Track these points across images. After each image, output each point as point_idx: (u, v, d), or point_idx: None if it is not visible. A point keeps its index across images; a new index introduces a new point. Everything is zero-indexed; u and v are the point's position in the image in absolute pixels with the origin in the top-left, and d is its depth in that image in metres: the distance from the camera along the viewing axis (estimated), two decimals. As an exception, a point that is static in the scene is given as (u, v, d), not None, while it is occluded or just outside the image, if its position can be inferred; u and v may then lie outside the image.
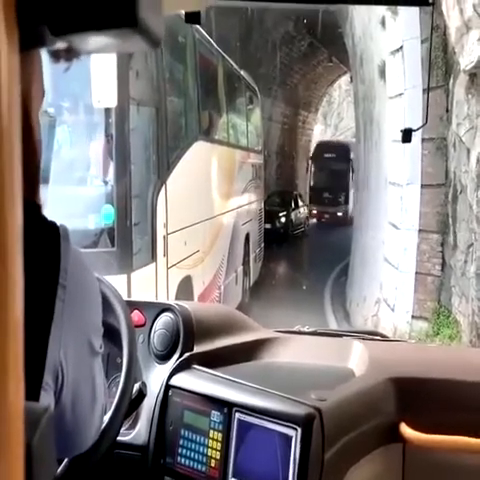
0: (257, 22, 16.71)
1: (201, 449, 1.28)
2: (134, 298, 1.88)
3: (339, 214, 21.68)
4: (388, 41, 7.64)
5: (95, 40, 0.39)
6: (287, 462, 1.14)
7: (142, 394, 1.27)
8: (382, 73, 8.15)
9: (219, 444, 1.25)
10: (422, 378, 1.40)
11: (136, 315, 1.47)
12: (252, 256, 10.14)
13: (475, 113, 5.55)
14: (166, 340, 1.45)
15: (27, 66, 0.76)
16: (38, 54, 0.76)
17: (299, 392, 1.22)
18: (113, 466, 1.31)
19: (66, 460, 1.03)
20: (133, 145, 4.57)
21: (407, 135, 2.39)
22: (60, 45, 0.41)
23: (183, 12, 1.59)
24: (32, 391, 0.76)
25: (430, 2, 1.81)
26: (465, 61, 5.28)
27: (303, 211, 20.12)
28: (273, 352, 1.57)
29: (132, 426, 1.38)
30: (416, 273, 7.11)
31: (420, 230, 7.06)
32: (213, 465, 1.25)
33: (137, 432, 1.37)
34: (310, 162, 23.57)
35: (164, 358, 1.44)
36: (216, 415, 1.27)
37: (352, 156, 19.95)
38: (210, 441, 1.27)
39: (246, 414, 1.22)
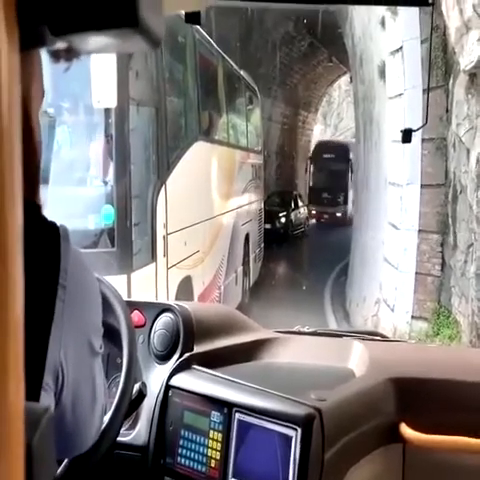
0: (257, 22, 16.71)
1: (201, 449, 1.28)
2: (134, 298, 1.88)
3: (338, 214, 21.63)
4: (388, 41, 7.64)
5: (95, 40, 0.39)
6: (287, 462, 1.13)
7: (142, 394, 1.27)
8: (382, 73, 8.15)
9: (219, 444, 1.25)
10: (422, 378, 1.40)
11: (136, 315, 1.47)
12: (252, 256, 10.14)
13: (475, 113, 5.55)
14: (166, 340, 1.45)
15: (27, 66, 0.76)
16: (38, 54, 0.76)
17: (299, 392, 1.22)
18: (113, 466, 1.31)
19: (66, 460, 1.03)
20: (133, 145, 4.57)
21: (407, 135, 2.39)
22: (60, 45, 0.41)
23: (183, 12, 1.59)
24: (32, 391, 0.76)
25: (430, 2, 1.81)
26: (465, 61, 5.28)
27: (303, 211, 20.08)
28: (273, 352, 1.57)
29: (132, 426, 1.38)
30: (416, 273, 7.11)
31: (420, 230, 7.06)
32: (213, 465, 1.25)
33: (137, 432, 1.37)
34: (309, 162, 23.51)
35: (164, 358, 1.44)
36: (216, 415, 1.27)
37: (351, 156, 19.94)
38: (210, 441, 1.27)
39: (246, 414, 1.22)
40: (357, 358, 1.49)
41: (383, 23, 7.65)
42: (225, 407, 1.25)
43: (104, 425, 1.07)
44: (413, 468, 1.34)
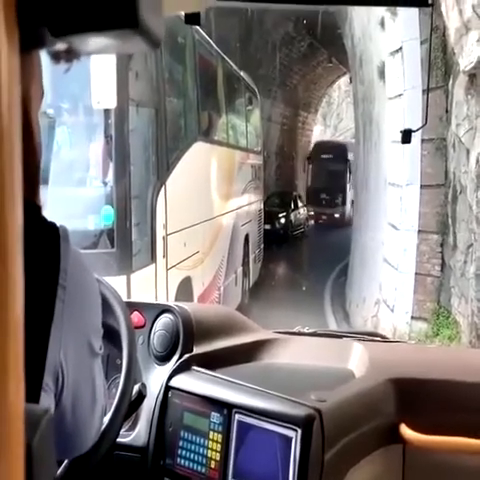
0: (257, 23, 16.71)
1: (201, 450, 1.28)
2: (134, 299, 1.88)
3: (336, 215, 21.51)
4: (387, 42, 7.64)
5: (95, 41, 0.39)
6: (287, 463, 1.13)
7: (142, 395, 1.27)
8: (381, 74, 8.15)
9: (219, 445, 1.25)
10: (422, 379, 1.40)
11: (136, 316, 1.47)
12: (252, 257, 10.14)
13: (474, 114, 5.56)
14: (166, 341, 1.45)
15: (27, 67, 0.76)
16: (38, 55, 0.76)
17: (299, 393, 1.22)
18: (113, 467, 1.31)
19: (66, 461, 1.03)
20: (132, 146, 4.57)
21: (407, 136, 2.39)
22: (60, 46, 0.41)
23: (183, 13, 1.60)
24: (32, 392, 0.76)
25: (429, 3, 1.81)
26: (464, 62, 5.28)
27: (303, 212, 20.04)
28: (273, 353, 1.57)
29: (132, 427, 1.38)
30: (416, 274, 7.11)
31: (419, 231, 7.06)
32: (213, 466, 1.25)
33: (137, 433, 1.37)
34: (307, 163, 23.39)
35: (164, 359, 1.44)
36: (216, 416, 1.27)
37: (350, 156, 19.90)
38: (210, 442, 1.27)
39: (246, 415, 1.22)
40: (357, 359, 1.49)
41: (383, 24, 7.65)
42: (225, 408, 1.25)
43: (104, 426, 1.07)
44: (413, 469, 1.34)
